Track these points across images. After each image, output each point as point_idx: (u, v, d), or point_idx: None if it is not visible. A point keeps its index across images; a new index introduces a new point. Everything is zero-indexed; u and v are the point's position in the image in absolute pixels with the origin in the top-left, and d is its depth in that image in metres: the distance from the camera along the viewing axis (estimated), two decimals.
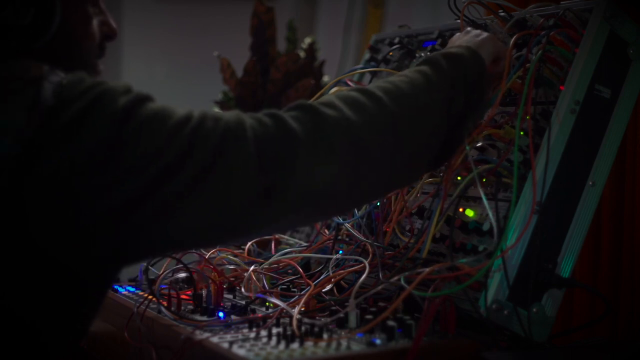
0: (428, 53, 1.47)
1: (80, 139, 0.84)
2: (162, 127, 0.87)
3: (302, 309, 1.14)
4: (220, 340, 1.02)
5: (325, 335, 1.03)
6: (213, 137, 0.89)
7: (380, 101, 0.98)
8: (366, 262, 1.21)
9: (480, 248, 1.14)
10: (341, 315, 1.08)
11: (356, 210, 1.34)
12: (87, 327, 0.98)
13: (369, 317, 1.07)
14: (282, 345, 1.00)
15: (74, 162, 0.84)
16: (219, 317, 1.16)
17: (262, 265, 1.33)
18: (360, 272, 1.19)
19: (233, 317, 1.16)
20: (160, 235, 0.89)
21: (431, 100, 1.03)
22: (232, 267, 1.37)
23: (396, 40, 1.58)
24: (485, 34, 1.18)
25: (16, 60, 0.91)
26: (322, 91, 1.58)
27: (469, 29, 1.24)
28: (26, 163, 0.83)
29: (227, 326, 1.11)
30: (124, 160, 0.85)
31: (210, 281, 1.26)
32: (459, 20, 1.31)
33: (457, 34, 1.24)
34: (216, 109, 2.23)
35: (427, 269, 1.05)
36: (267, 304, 1.22)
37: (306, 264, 1.42)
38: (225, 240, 1.01)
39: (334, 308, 1.16)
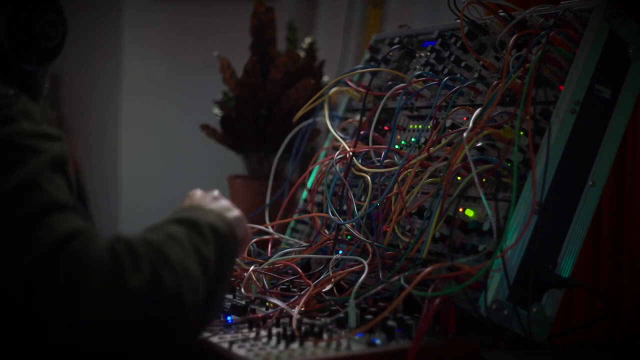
0: (428, 53, 1.47)
1: None
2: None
3: (302, 309, 1.14)
4: (220, 340, 1.02)
5: (325, 335, 1.03)
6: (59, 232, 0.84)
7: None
8: (365, 262, 1.21)
9: (480, 248, 1.14)
10: (341, 315, 1.08)
11: (356, 211, 1.34)
12: None
13: (369, 317, 1.07)
14: (282, 345, 1.00)
15: None
16: (227, 321, 1.12)
17: (262, 266, 1.33)
18: (360, 272, 1.19)
19: (233, 317, 1.16)
20: None
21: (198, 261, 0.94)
22: None
23: (396, 40, 1.58)
24: (235, 211, 1.07)
25: None
26: (322, 91, 1.58)
27: (215, 193, 1.11)
28: None
29: (227, 326, 1.11)
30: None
31: None
32: (459, 20, 1.31)
33: (200, 193, 1.10)
34: (216, 110, 2.22)
35: (427, 269, 1.06)
36: (267, 304, 1.22)
37: (306, 264, 1.42)
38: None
39: (334, 308, 1.16)
